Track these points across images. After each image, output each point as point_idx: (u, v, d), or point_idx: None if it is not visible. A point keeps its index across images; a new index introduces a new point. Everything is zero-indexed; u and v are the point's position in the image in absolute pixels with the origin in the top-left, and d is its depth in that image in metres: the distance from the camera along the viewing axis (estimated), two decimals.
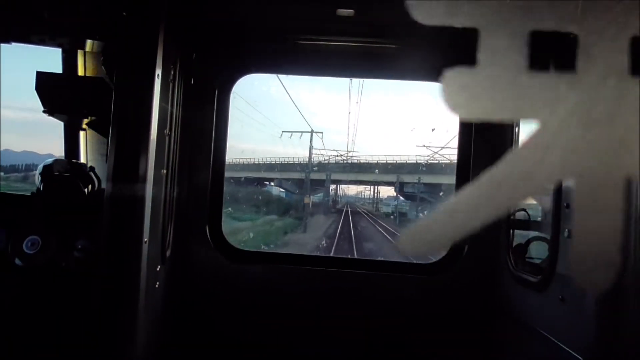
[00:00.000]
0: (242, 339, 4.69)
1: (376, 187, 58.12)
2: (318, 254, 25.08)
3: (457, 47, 4.56)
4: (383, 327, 4.68)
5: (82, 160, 4.70)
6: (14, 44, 3.94)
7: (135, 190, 3.14)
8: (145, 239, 3.21)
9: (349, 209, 52.59)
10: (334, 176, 51.12)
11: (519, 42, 0.87)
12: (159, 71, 3.21)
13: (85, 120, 4.22)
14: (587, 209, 0.86)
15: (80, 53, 4.26)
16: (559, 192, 3.48)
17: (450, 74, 0.92)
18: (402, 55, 4.81)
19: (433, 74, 4.80)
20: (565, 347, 3.28)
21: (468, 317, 4.70)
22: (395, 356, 4.68)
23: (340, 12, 4.10)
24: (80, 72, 4.35)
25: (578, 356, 3.10)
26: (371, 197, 61.87)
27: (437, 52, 4.58)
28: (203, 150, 4.79)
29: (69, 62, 4.27)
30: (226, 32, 4.70)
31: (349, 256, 24.90)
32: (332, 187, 53.62)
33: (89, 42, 3.98)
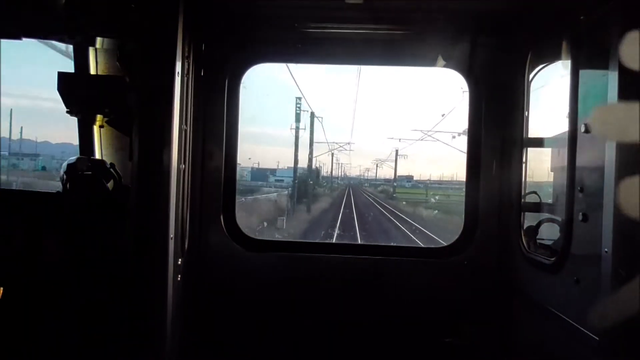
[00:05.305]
0: (260, 326, 4.76)
1: None
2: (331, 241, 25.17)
3: (467, 33, 4.59)
4: (399, 310, 4.74)
5: (97, 155, 4.77)
6: (24, 39, 3.98)
7: (161, 188, 3.19)
8: (171, 235, 3.27)
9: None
10: None
11: None
12: (179, 68, 3.25)
13: (100, 118, 4.26)
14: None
15: (91, 50, 4.30)
16: (572, 177, 3.51)
17: None
18: (411, 41, 4.80)
19: (443, 60, 4.79)
20: (580, 327, 3.31)
21: (482, 298, 4.74)
22: (412, 337, 4.74)
23: None
24: (93, 70, 4.39)
25: (593, 336, 3.13)
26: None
27: (447, 38, 4.56)
28: (215, 141, 4.82)
29: (82, 59, 4.31)
30: (235, 22, 4.69)
31: (363, 242, 24.95)
32: None
33: (99, 39, 4.02)
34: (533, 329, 4.23)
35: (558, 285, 3.71)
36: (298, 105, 36.25)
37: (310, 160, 39.57)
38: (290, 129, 36.08)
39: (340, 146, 50.18)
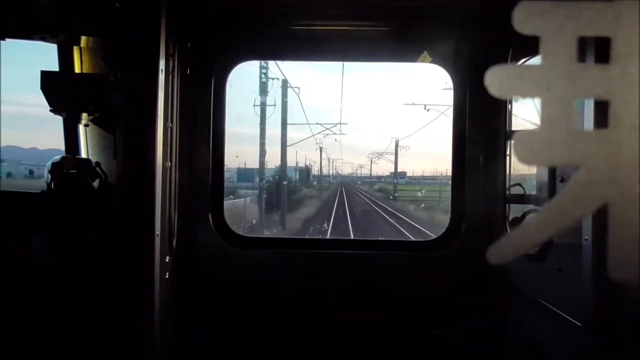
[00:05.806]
0: (250, 323, 4.79)
1: None
2: (319, 237, 25.25)
3: (450, 29, 4.65)
4: (389, 303, 4.80)
5: (83, 154, 4.75)
6: (8, 40, 3.95)
7: (146, 186, 3.21)
8: (157, 232, 3.29)
9: None
10: None
11: None
12: (162, 66, 3.26)
13: (86, 116, 4.26)
14: None
15: (76, 49, 4.28)
16: (553, 168, 3.58)
17: None
18: (395, 37, 4.86)
19: (428, 57, 4.85)
20: (564, 315, 3.40)
21: (469, 289, 4.82)
22: (401, 329, 4.80)
23: None
24: (77, 69, 4.37)
25: (577, 322, 3.23)
26: None
27: (431, 34, 4.62)
28: (202, 139, 4.84)
29: (66, 58, 4.29)
30: (220, 20, 4.71)
31: (351, 237, 25.07)
32: None
33: (83, 38, 4.01)
34: (520, 318, 4.32)
35: (542, 274, 3.80)
36: (263, 72, 25.06)
37: (283, 149, 28.37)
38: (254, 105, 25.04)
39: (328, 129, 40.00)
